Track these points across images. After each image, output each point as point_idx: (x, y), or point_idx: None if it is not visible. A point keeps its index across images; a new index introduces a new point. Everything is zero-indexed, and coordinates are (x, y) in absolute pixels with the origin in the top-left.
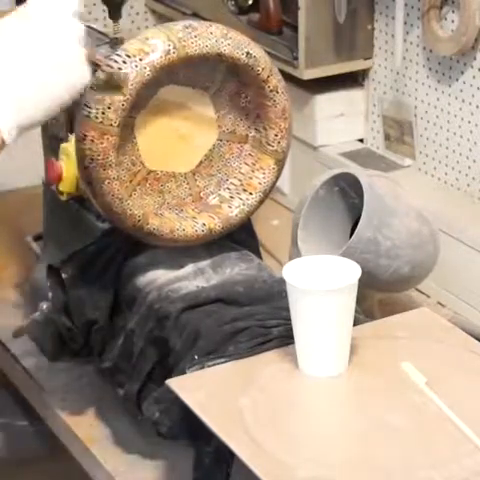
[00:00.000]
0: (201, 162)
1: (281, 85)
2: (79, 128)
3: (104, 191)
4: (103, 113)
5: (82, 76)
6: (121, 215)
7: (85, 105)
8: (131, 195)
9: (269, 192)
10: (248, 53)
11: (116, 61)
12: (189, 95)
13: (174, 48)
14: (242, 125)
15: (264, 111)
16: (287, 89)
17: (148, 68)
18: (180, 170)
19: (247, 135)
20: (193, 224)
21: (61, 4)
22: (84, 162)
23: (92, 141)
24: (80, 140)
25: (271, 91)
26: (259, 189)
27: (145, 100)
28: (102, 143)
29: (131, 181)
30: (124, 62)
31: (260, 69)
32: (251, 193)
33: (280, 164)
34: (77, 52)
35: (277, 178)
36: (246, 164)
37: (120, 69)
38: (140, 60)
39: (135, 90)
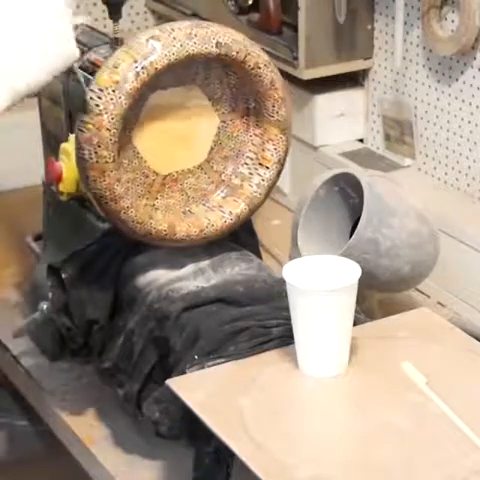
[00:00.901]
0: (212, 148)
1: (262, 60)
2: (79, 170)
3: (123, 220)
4: (96, 152)
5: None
6: (147, 236)
7: (78, 148)
8: (154, 205)
9: (283, 164)
10: (218, 43)
11: (92, 98)
12: (177, 93)
13: (143, 68)
14: (240, 100)
15: (253, 86)
16: (270, 60)
17: (123, 97)
18: (193, 164)
19: (248, 107)
20: (221, 215)
21: None
22: (96, 198)
23: (94, 181)
24: (84, 181)
25: (252, 69)
26: (273, 161)
27: (135, 114)
28: (104, 180)
29: (150, 191)
30: (99, 98)
31: (234, 53)
32: (267, 167)
33: (286, 133)
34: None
35: (287, 148)
36: (256, 135)
37: (97, 106)
38: (113, 91)
39: (118, 121)
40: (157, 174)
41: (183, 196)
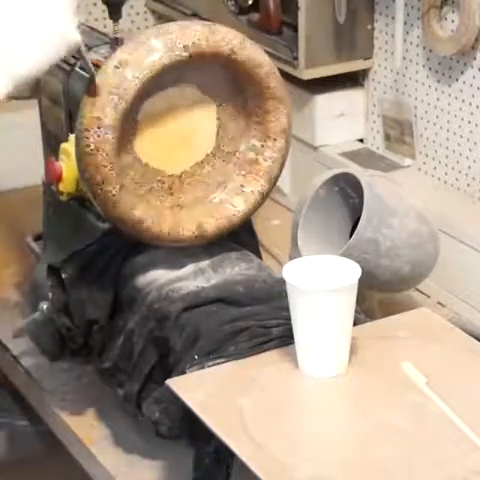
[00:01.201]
0: (218, 133)
1: (233, 45)
2: (94, 203)
3: (150, 237)
4: (101, 189)
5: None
6: (178, 242)
7: (85, 186)
8: (179, 204)
9: (288, 133)
10: (185, 46)
11: (80, 138)
12: (168, 95)
13: (119, 98)
14: (229, 79)
15: (237, 68)
16: (243, 39)
17: (109, 132)
18: (205, 152)
19: (242, 85)
20: (244, 197)
21: None
22: (117, 225)
23: (111, 211)
24: (102, 213)
25: (229, 55)
26: (278, 131)
27: (132, 127)
28: (119, 210)
29: (171, 194)
30: (87, 138)
31: (205, 49)
32: (276, 139)
33: (284, 103)
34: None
35: (289, 119)
36: (257, 107)
37: (88, 146)
38: (98, 128)
39: (112, 155)
40: (173, 176)
41: (204, 186)
